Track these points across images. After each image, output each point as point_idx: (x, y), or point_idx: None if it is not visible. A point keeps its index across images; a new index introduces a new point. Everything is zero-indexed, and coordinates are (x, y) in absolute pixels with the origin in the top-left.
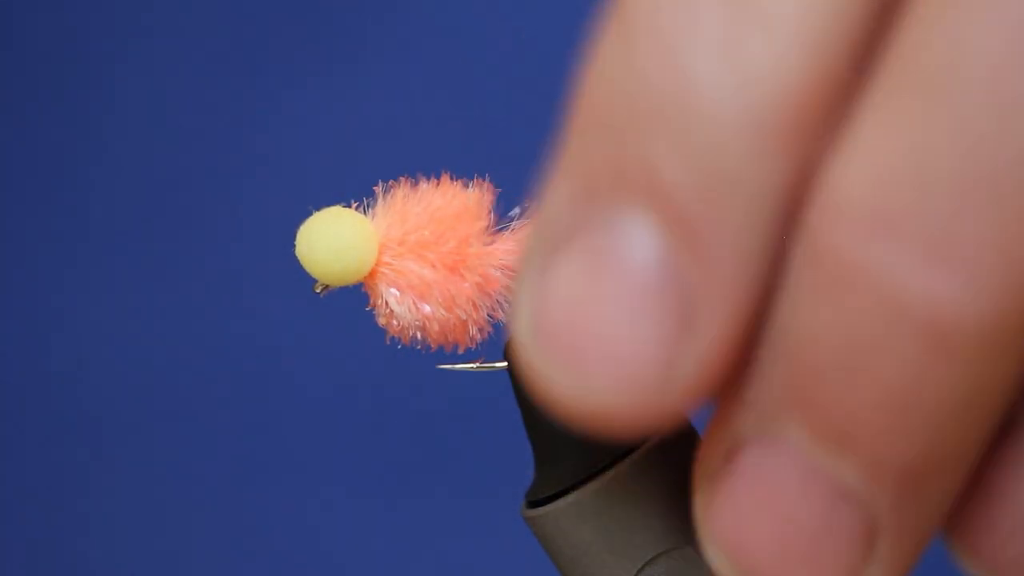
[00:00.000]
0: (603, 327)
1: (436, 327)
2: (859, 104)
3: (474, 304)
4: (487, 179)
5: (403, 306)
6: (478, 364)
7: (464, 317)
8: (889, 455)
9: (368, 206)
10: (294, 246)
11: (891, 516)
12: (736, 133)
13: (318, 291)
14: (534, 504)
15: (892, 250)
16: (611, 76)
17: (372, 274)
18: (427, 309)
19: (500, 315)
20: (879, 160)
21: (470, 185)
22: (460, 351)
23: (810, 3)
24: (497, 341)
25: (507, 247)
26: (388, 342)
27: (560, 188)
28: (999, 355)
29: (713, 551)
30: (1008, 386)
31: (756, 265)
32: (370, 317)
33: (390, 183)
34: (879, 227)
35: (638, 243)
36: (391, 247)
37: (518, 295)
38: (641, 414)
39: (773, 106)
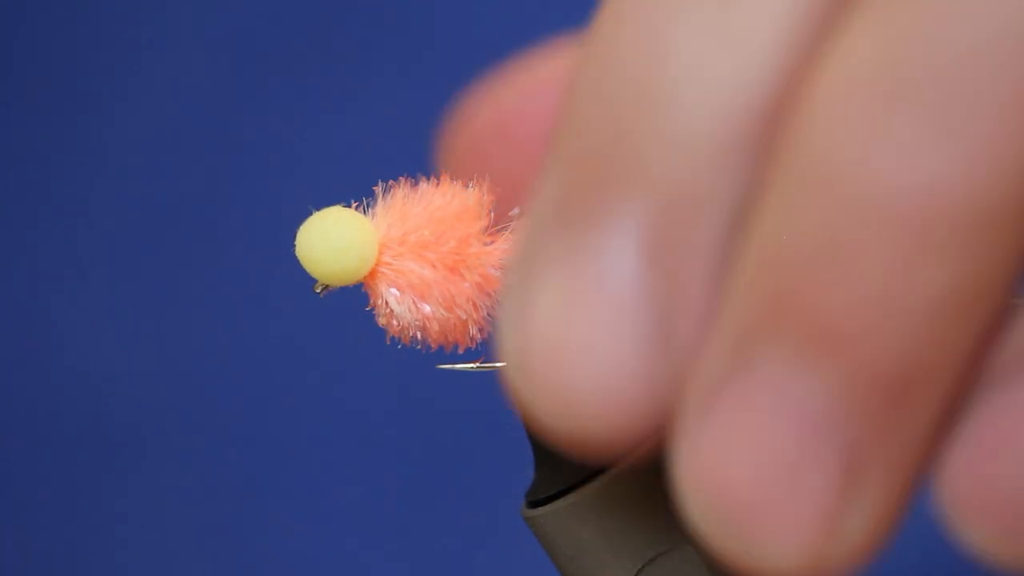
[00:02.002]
0: (584, 351)
1: (436, 327)
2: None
3: (474, 304)
4: (487, 179)
5: (403, 306)
6: (478, 364)
7: (464, 317)
8: (868, 363)
9: (368, 206)
10: (294, 246)
11: (872, 445)
12: (698, 147)
13: (318, 291)
14: (534, 504)
15: (868, 141)
16: (580, 102)
17: (372, 274)
18: (427, 309)
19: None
20: (854, 54)
21: (470, 185)
22: (460, 351)
23: (774, 12)
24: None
25: (507, 247)
26: (388, 342)
27: (540, 203)
28: (990, 243)
29: (689, 503)
30: (999, 284)
31: (718, 275)
32: (369, 317)
33: (390, 183)
34: (856, 122)
35: (616, 262)
36: (391, 247)
37: (502, 312)
38: (628, 435)
39: (735, 118)
